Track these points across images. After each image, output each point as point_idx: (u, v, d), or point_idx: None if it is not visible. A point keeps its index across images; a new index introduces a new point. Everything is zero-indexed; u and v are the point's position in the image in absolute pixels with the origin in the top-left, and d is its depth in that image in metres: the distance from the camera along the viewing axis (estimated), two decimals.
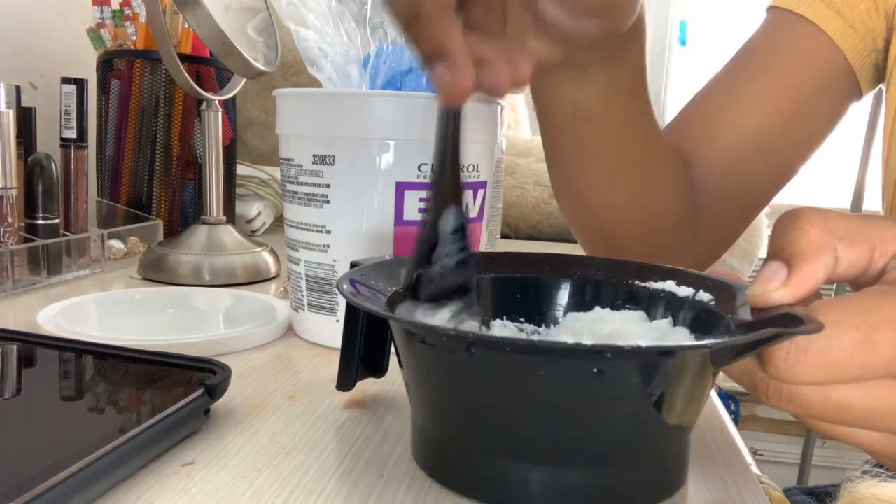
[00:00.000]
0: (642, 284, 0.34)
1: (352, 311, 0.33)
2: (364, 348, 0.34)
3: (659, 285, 0.33)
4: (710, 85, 0.57)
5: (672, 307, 0.32)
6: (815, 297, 0.27)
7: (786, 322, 0.24)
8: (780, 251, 0.27)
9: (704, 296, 0.31)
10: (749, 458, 0.32)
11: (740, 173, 0.55)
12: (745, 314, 0.28)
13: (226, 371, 0.33)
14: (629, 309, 0.34)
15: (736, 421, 1.84)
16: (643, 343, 0.23)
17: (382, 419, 0.35)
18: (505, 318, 0.35)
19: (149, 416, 0.29)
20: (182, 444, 0.31)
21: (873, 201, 1.54)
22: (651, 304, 0.33)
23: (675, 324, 0.32)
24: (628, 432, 0.26)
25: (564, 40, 0.37)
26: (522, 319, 0.35)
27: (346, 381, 0.34)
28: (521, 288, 0.35)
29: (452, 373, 0.27)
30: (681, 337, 0.31)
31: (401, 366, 0.30)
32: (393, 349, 0.34)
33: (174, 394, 0.32)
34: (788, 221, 0.28)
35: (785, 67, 0.54)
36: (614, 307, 0.34)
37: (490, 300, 0.35)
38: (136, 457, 0.28)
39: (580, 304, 0.35)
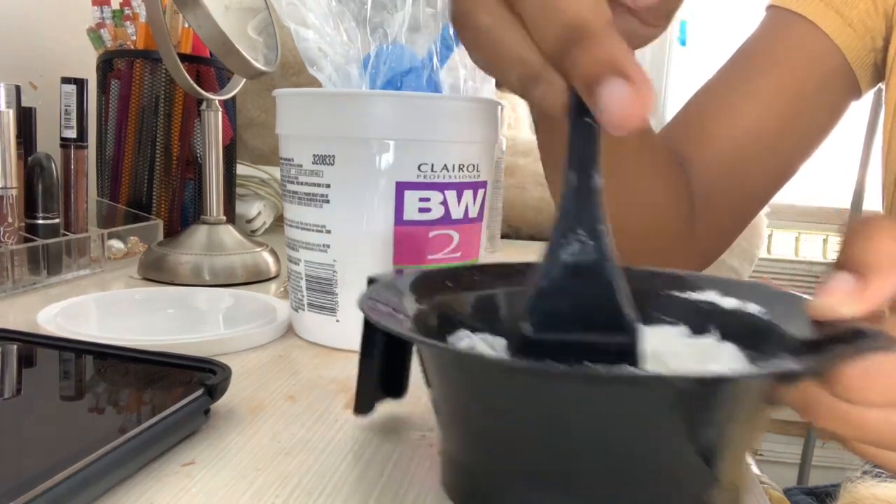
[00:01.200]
0: (681, 295, 0.31)
1: (370, 329, 0.30)
2: (382, 367, 0.31)
3: (699, 296, 0.30)
4: (708, 85, 0.57)
5: (715, 320, 0.29)
6: (878, 314, 0.25)
7: (856, 338, 0.22)
8: (851, 261, 0.25)
9: (753, 307, 0.28)
10: (749, 458, 0.32)
11: (739, 173, 0.54)
12: (801, 328, 0.26)
13: (226, 371, 0.33)
14: (667, 323, 0.30)
15: None
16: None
17: (382, 419, 0.35)
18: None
19: (149, 416, 0.29)
20: (182, 444, 0.31)
21: (873, 201, 1.54)
22: (691, 317, 0.30)
23: (721, 339, 0.29)
24: (679, 469, 0.23)
25: None
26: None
27: (364, 404, 0.31)
28: None
29: (497, 400, 0.24)
30: (731, 354, 0.28)
31: (428, 385, 0.27)
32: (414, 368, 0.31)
33: (174, 394, 0.32)
34: (860, 230, 0.26)
35: (784, 67, 0.54)
36: (649, 321, 0.30)
37: (508, 316, 0.31)
38: (136, 457, 0.28)
39: None
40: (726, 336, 0.29)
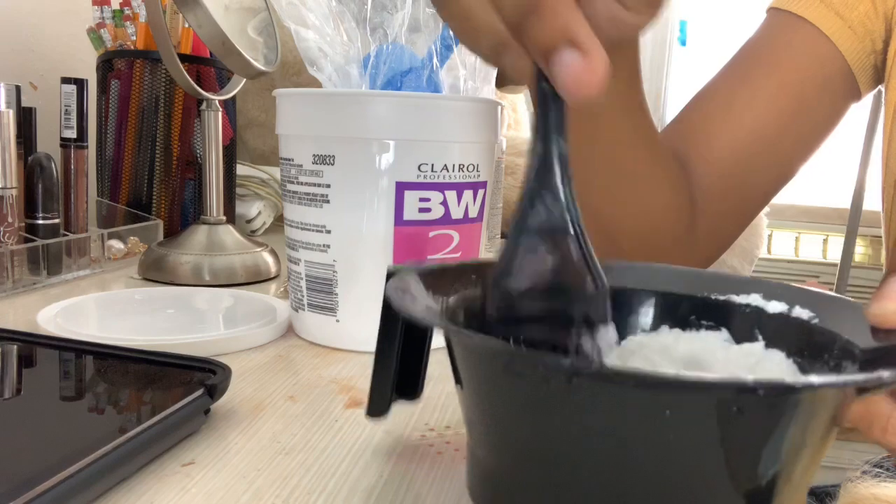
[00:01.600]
0: (721, 298, 0.29)
1: (388, 325, 0.28)
2: (399, 367, 0.29)
3: (742, 299, 0.28)
4: (709, 86, 0.57)
5: (761, 325, 0.27)
6: None
7: None
8: None
9: (803, 312, 0.27)
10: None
11: (740, 173, 0.55)
12: (857, 335, 0.24)
13: (226, 371, 0.33)
14: (707, 328, 0.29)
15: None
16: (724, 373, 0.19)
17: (383, 419, 0.35)
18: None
19: (149, 416, 0.29)
20: (182, 444, 0.31)
21: (873, 201, 1.54)
22: (734, 322, 0.28)
23: (768, 346, 0.27)
24: (760, 487, 0.21)
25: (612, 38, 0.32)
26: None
27: (379, 405, 0.29)
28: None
29: (545, 407, 0.22)
30: (778, 362, 0.26)
31: (458, 383, 0.26)
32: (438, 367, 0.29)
33: (174, 394, 0.32)
34: None
35: (784, 68, 0.54)
36: (687, 325, 0.29)
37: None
38: (136, 457, 0.28)
39: (648, 320, 0.30)
40: (772, 343, 0.27)
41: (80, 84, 0.66)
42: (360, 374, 0.41)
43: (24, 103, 0.64)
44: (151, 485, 0.27)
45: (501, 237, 0.94)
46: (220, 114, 0.67)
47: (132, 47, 0.78)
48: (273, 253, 0.68)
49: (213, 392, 0.32)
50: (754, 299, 0.28)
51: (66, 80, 0.65)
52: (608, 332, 0.27)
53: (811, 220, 1.92)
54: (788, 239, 1.99)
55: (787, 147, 0.56)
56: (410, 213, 0.43)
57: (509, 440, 0.24)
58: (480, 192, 0.46)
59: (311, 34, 0.45)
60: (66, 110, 0.65)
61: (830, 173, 1.68)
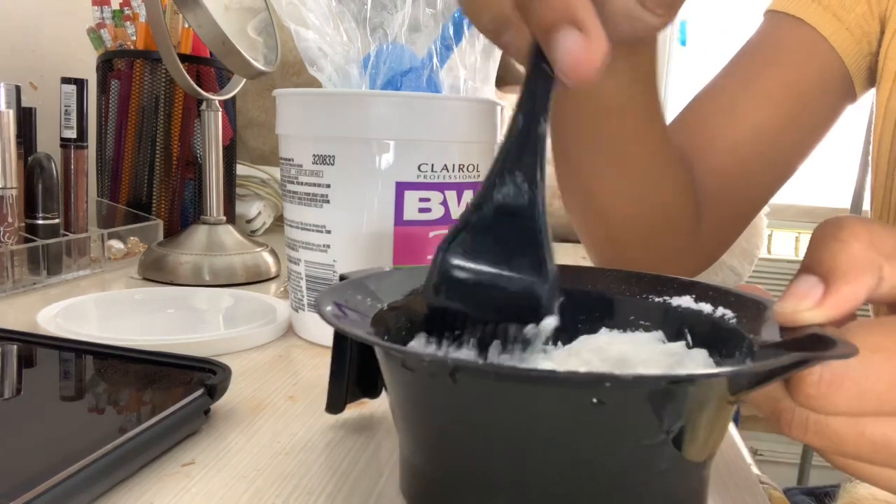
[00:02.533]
0: (657, 300, 0.30)
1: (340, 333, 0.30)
2: (358, 367, 0.31)
3: (675, 301, 0.30)
4: (708, 87, 0.57)
5: (690, 325, 0.29)
6: (849, 318, 0.24)
7: (816, 345, 0.22)
8: (818, 264, 0.24)
9: (726, 312, 0.28)
10: (749, 458, 0.32)
11: (740, 173, 0.55)
12: (770, 333, 0.25)
13: (226, 371, 0.33)
14: (644, 329, 0.31)
15: (736, 421, 1.84)
16: (645, 371, 0.20)
17: (383, 419, 0.35)
18: (500, 341, 0.29)
19: (149, 416, 0.29)
20: (182, 444, 0.31)
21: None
22: (668, 322, 0.30)
23: (694, 345, 0.29)
24: (634, 469, 0.23)
25: (626, 34, 0.32)
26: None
27: (335, 403, 0.32)
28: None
29: (437, 401, 0.24)
30: (698, 361, 0.28)
31: (385, 389, 0.28)
32: None
33: (174, 394, 0.32)
34: (829, 231, 0.25)
35: (785, 68, 0.55)
36: (628, 325, 0.31)
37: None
38: (136, 457, 0.28)
39: (588, 322, 0.31)
40: (699, 341, 0.29)
41: (80, 84, 0.66)
42: None
43: (24, 103, 0.64)
44: (151, 485, 0.27)
45: None
46: (220, 114, 0.67)
47: (132, 47, 0.78)
48: (273, 253, 0.68)
49: (213, 392, 0.32)
50: (685, 301, 0.30)
51: (66, 80, 0.66)
52: (548, 322, 0.27)
53: (811, 220, 1.92)
54: (788, 239, 1.99)
55: (787, 146, 0.56)
56: (410, 213, 0.43)
57: (421, 436, 0.25)
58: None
59: (311, 34, 0.45)
60: (66, 110, 0.65)
61: (830, 173, 1.68)
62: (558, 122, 0.47)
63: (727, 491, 0.29)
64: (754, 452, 1.85)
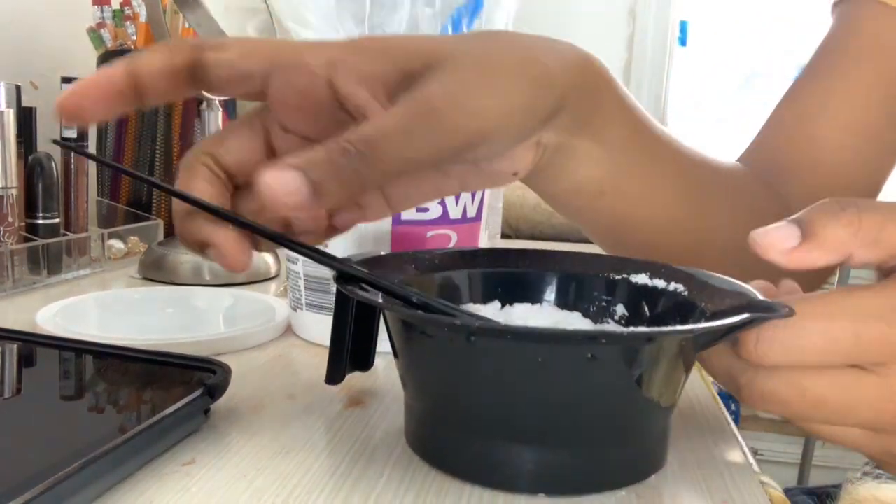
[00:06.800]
0: (618, 277, 0.35)
1: (341, 304, 0.33)
2: (353, 340, 0.33)
3: (634, 278, 0.35)
4: (794, 90, 0.54)
5: (648, 298, 0.34)
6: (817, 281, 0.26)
7: (758, 309, 0.26)
8: (809, 223, 0.27)
9: (678, 287, 0.33)
10: (749, 458, 0.32)
11: (846, 172, 0.52)
12: (718, 304, 0.30)
13: (226, 371, 0.33)
14: (606, 303, 0.36)
15: (736, 421, 1.83)
16: (632, 329, 0.24)
17: (382, 419, 0.35)
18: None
19: (149, 416, 0.29)
20: (182, 443, 0.31)
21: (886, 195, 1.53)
22: (629, 297, 0.35)
23: (652, 313, 0.34)
24: (616, 413, 0.28)
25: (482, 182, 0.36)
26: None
27: (335, 374, 0.33)
28: (503, 283, 0.36)
29: (451, 361, 0.28)
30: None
31: (395, 356, 0.31)
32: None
33: (174, 393, 0.32)
34: (835, 207, 0.28)
35: (877, 58, 0.52)
36: (590, 300, 0.36)
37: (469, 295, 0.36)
38: (136, 456, 0.28)
39: (552, 297, 0.36)
40: (657, 311, 0.34)
41: None
42: (360, 374, 0.41)
43: (24, 103, 0.64)
44: (151, 484, 0.27)
45: (502, 237, 0.94)
46: (220, 114, 0.67)
47: (132, 47, 0.78)
48: (273, 253, 0.68)
49: (213, 392, 0.32)
50: (642, 278, 0.34)
51: (66, 80, 0.66)
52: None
53: None
54: None
55: (891, 137, 0.53)
56: (408, 212, 0.43)
57: (430, 388, 0.30)
58: (479, 191, 0.46)
59: (311, 34, 0.45)
60: None
61: None
62: (556, 210, 0.45)
63: (727, 490, 0.29)
64: (754, 452, 1.85)
